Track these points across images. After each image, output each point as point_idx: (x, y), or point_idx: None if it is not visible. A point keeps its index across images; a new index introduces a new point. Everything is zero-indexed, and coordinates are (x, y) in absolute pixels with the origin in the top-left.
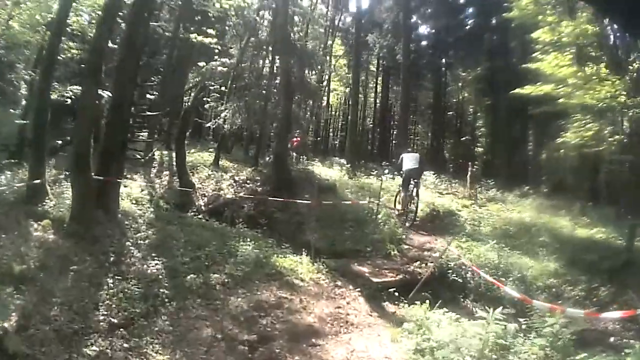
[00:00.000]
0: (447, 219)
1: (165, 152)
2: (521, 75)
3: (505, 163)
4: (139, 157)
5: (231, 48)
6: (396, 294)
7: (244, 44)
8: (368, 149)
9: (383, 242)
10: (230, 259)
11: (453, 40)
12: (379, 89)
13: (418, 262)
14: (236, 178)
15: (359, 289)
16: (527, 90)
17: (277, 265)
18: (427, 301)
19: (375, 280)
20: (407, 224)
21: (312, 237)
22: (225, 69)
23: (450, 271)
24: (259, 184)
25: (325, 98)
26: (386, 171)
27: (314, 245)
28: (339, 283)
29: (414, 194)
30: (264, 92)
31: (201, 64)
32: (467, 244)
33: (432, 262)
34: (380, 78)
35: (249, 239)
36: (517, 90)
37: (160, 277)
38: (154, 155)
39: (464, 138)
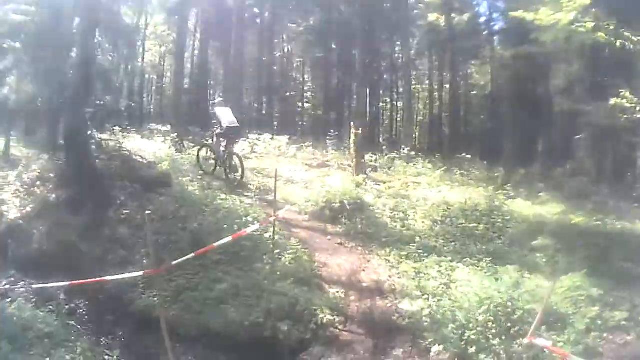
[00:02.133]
0: (358, 214)
1: None
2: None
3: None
4: None
5: None
6: None
7: None
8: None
9: (301, 299)
10: None
11: None
12: (197, 44)
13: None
14: (25, 177)
15: None
16: (538, 15)
17: None
18: None
19: None
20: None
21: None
22: (25, 18)
23: None
24: (51, 186)
25: (141, 52)
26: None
27: (167, 338)
28: None
29: (234, 151)
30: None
31: None
32: (427, 264)
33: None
34: (199, 34)
35: None
36: (519, 14)
37: None
38: None
39: (288, 94)
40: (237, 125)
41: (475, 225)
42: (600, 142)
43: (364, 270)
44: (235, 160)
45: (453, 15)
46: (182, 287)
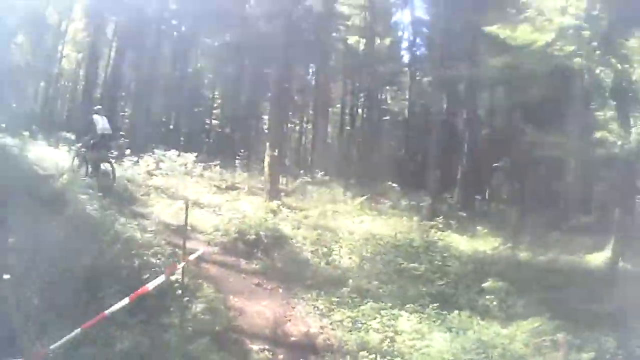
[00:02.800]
0: (276, 248)
1: None
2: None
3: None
4: None
5: None
6: None
7: None
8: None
9: None
10: None
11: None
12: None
13: None
14: None
15: None
16: (518, 34)
17: None
18: None
19: None
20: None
21: None
22: None
23: None
24: None
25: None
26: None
27: None
28: None
29: (107, 158)
30: None
31: None
32: (363, 311)
33: None
34: (115, 44)
35: None
36: (494, 29)
37: None
38: None
39: (196, 109)
40: (110, 132)
41: (414, 265)
42: (523, 171)
43: (289, 320)
44: (107, 166)
45: (376, 38)
46: (77, 340)
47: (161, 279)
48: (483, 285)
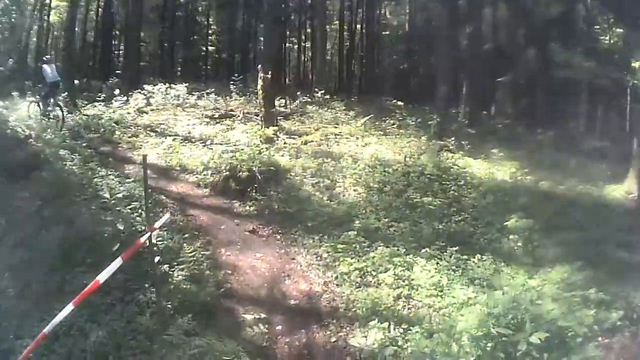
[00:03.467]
0: (272, 184)
1: None
2: None
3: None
4: None
5: None
6: None
7: None
8: (90, 65)
9: (206, 349)
10: None
11: None
12: None
13: None
14: None
15: None
16: None
17: None
18: None
19: None
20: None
21: None
22: None
23: None
24: None
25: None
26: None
27: None
28: None
29: (58, 103)
30: None
31: None
32: (373, 259)
33: None
34: None
35: None
36: None
37: None
38: None
39: (192, 38)
40: (59, 79)
41: (428, 198)
42: (528, 87)
43: (288, 276)
44: (57, 111)
45: None
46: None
47: (117, 263)
48: (506, 223)
